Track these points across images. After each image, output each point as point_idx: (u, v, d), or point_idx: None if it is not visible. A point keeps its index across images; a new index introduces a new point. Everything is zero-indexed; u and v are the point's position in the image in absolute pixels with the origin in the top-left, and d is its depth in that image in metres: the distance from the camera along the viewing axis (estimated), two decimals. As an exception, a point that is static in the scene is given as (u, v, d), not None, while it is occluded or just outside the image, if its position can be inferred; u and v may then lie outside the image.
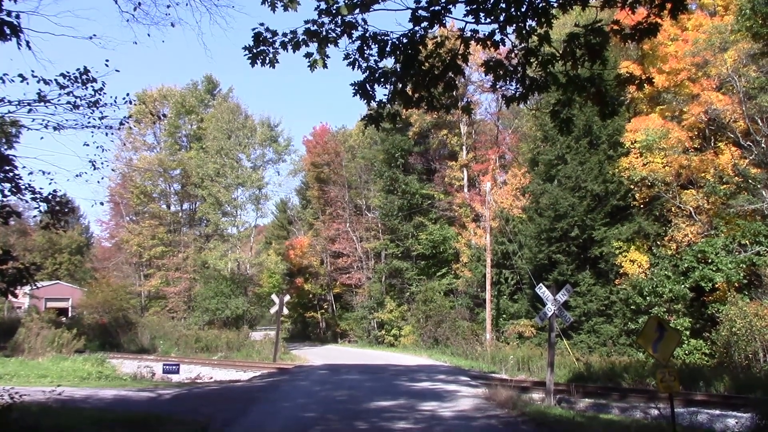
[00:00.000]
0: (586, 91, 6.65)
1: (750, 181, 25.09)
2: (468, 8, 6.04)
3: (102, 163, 8.80)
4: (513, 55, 6.61)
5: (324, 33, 6.14)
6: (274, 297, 31.38)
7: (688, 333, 23.90)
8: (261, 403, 12.95)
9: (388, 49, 6.31)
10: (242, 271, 48.07)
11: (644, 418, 13.46)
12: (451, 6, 6.07)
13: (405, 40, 6.26)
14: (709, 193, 25.50)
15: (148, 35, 9.16)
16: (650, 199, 27.75)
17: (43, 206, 7.57)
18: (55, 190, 7.66)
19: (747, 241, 24.14)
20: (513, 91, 7.05)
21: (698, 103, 26.32)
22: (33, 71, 7.50)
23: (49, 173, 7.86)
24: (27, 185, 7.29)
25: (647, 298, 25.12)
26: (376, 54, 6.37)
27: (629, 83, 6.78)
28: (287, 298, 32.46)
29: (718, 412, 13.43)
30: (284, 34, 6.26)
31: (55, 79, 7.67)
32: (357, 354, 35.27)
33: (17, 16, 6.51)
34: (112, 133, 8.74)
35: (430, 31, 6.27)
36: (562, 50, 6.47)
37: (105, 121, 8.33)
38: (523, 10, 6.13)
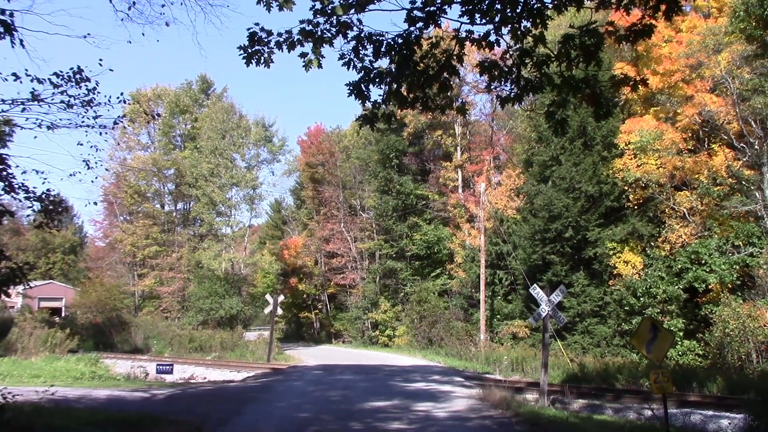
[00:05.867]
0: (580, 92, 6.66)
1: (743, 182, 25.24)
2: (463, 9, 6.05)
3: (96, 163, 8.75)
4: (508, 55, 6.61)
5: (319, 33, 6.13)
6: (268, 297, 31.28)
7: (681, 334, 23.98)
8: (255, 404, 12.92)
9: (383, 49, 6.31)
10: (236, 271, 47.94)
11: (638, 418, 13.51)
12: (446, 6, 6.07)
13: (400, 41, 6.26)
14: (702, 194, 25.60)
15: (143, 34, 9.11)
16: (644, 201, 27.84)
17: (37, 205, 7.52)
18: (48, 190, 7.62)
19: (740, 243, 24.28)
20: (508, 92, 7.07)
21: (692, 105, 26.45)
22: (26, 70, 7.47)
23: (42, 172, 7.81)
24: (20, 184, 7.25)
25: (641, 299, 25.19)
26: (371, 54, 6.36)
27: (624, 84, 6.80)
28: (281, 298, 32.42)
29: (711, 413, 13.48)
30: (279, 34, 6.24)
31: (49, 78, 7.63)
32: (351, 354, 35.26)
33: (11, 15, 6.50)
34: (106, 133, 8.66)
35: (425, 31, 6.28)
36: (557, 51, 6.49)
37: (99, 121, 8.27)
38: (518, 11, 6.15)
